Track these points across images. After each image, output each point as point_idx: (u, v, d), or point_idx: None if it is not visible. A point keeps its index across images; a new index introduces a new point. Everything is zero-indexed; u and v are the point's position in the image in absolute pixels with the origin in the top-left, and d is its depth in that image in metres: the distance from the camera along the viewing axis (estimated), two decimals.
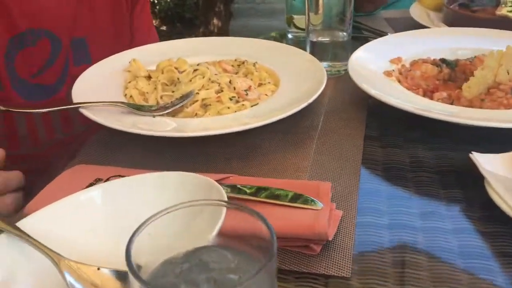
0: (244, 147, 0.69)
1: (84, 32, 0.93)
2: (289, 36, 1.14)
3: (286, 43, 1.13)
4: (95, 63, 0.87)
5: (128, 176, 0.60)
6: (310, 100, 0.69)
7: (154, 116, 0.69)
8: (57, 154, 0.95)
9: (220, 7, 3.97)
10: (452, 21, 1.06)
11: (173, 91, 0.74)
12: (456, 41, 0.88)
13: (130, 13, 1.03)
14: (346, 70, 0.92)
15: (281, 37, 1.22)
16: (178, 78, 0.75)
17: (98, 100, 0.71)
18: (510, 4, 1.07)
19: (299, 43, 1.12)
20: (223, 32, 4.04)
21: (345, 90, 0.86)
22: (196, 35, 4.37)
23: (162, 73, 0.78)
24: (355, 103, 0.81)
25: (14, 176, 0.65)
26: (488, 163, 0.57)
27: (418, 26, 1.08)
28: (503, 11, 1.04)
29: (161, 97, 0.74)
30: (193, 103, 0.72)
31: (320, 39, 0.92)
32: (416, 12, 1.12)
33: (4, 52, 0.83)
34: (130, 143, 0.70)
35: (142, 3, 1.07)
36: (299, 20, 1.10)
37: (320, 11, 0.92)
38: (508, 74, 0.73)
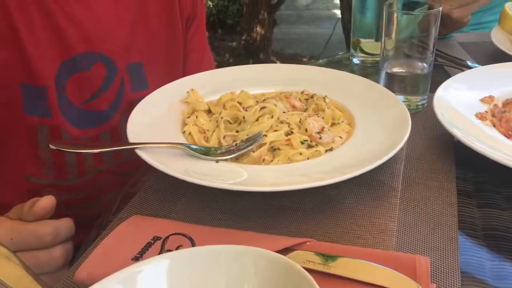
0: (317, 200, 0.61)
1: (140, 56, 0.87)
2: (355, 61, 1.05)
3: (351, 69, 1.04)
4: (152, 88, 0.81)
5: (190, 234, 0.53)
6: (395, 151, 0.60)
7: (217, 161, 0.62)
8: (102, 185, 0.89)
9: (264, 14, 3.90)
10: None
11: (237, 131, 0.67)
12: None
13: (185, 34, 0.97)
14: (424, 105, 0.83)
15: (341, 61, 1.13)
16: (243, 117, 0.67)
17: (155, 138, 0.64)
18: None
19: (365, 69, 1.03)
20: (266, 39, 3.97)
21: (426, 129, 0.77)
22: (239, 42, 4.32)
23: (224, 108, 0.71)
24: (440, 147, 0.72)
25: (64, 225, 0.59)
26: None
27: (500, 54, 0.97)
28: None
29: (223, 137, 0.66)
30: (260, 147, 0.64)
31: (395, 70, 0.83)
32: (498, 37, 1.01)
33: (55, 76, 0.77)
34: (189, 190, 0.63)
35: (198, 23, 1.00)
36: (367, 44, 1.01)
37: (393, 36, 0.83)
38: None
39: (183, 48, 0.97)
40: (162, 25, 0.89)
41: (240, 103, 0.71)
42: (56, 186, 0.85)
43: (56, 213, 0.60)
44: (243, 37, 4.09)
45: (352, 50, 1.04)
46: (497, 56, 0.97)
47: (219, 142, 0.67)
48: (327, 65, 1.06)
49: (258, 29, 3.93)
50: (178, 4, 0.91)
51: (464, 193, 0.62)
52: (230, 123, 0.69)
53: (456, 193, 0.62)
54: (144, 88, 0.87)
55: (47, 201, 0.58)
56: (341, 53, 1.15)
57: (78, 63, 0.79)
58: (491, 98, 0.74)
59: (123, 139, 0.87)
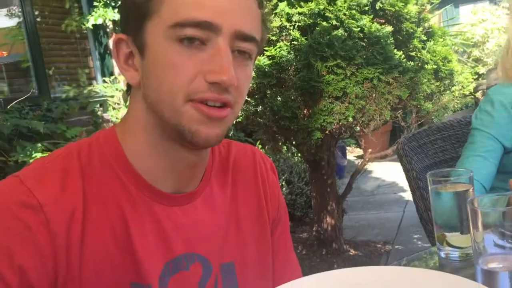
0: None
1: (231, 256, 0.92)
2: (441, 255, 1.04)
3: (440, 263, 1.03)
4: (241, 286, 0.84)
5: None
6: None
7: None
8: None
9: (332, 205, 4.00)
10: None
11: None
12: None
13: (271, 235, 1.02)
14: None
15: (423, 257, 1.12)
16: None
17: None
18: None
19: (454, 263, 1.02)
20: (337, 229, 3.99)
21: None
22: (310, 233, 4.35)
23: None
24: None
25: None
26: None
27: None
28: None
29: None
30: None
31: (492, 266, 0.81)
32: None
33: (159, 276, 0.83)
34: None
35: (282, 227, 1.06)
36: (453, 238, 1.02)
37: (480, 228, 0.83)
38: None
39: (271, 249, 1.02)
40: (253, 228, 0.97)
41: None
42: None
43: None
44: (314, 228, 4.14)
45: (438, 244, 1.04)
46: None
47: None
48: (412, 263, 1.06)
49: (328, 219, 3.99)
50: (266, 208, 0.99)
51: None
52: None
53: None
54: (235, 287, 0.90)
55: None
56: (416, 236, 1.15)
57: (179, 263, 0.85)
58: None
59: None
